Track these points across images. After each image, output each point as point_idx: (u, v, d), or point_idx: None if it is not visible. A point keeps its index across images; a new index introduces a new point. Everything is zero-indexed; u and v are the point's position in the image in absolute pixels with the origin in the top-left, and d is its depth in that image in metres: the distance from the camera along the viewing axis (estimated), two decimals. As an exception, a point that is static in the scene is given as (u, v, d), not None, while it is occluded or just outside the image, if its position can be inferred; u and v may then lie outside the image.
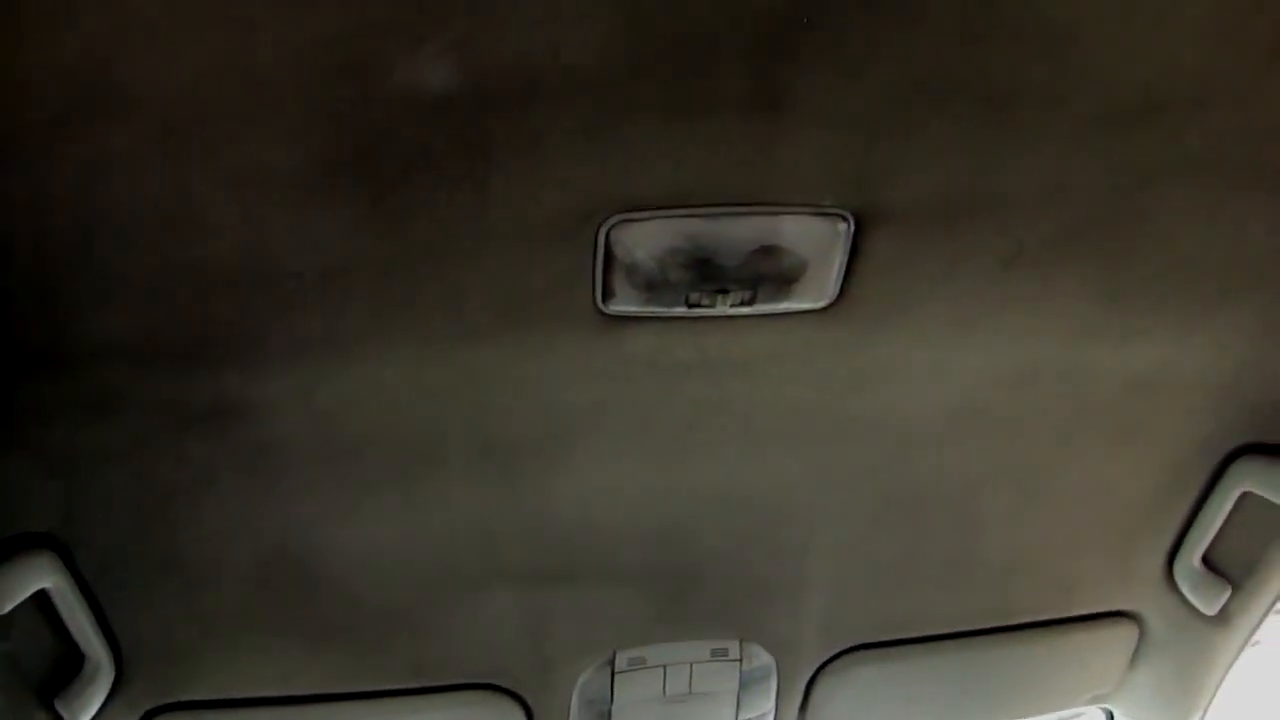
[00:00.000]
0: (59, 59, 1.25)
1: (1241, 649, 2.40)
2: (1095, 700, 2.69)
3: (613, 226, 1.52)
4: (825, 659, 2.38)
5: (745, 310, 1.66)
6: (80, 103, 1.30)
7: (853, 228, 1.58)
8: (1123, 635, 2.49)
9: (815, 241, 1.58)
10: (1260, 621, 2.34)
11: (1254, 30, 1.45)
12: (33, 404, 1.62)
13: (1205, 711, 2.53)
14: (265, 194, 1.43)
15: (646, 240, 1.55)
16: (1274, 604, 2.30)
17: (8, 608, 1.69)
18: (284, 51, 1.29)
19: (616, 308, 1.63)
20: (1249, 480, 2.16)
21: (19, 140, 1.32)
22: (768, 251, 1.59)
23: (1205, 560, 2.32)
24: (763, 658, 2.33)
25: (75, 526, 1.80)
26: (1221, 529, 2.26)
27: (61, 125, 1.31)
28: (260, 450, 1.76)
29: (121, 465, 1.73)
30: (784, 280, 1.63)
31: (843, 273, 1.64)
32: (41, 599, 1.80)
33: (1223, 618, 2.32)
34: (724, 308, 1.64)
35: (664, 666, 2.30)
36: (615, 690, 2.31)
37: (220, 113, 1.34)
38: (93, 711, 1.93)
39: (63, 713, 1.85)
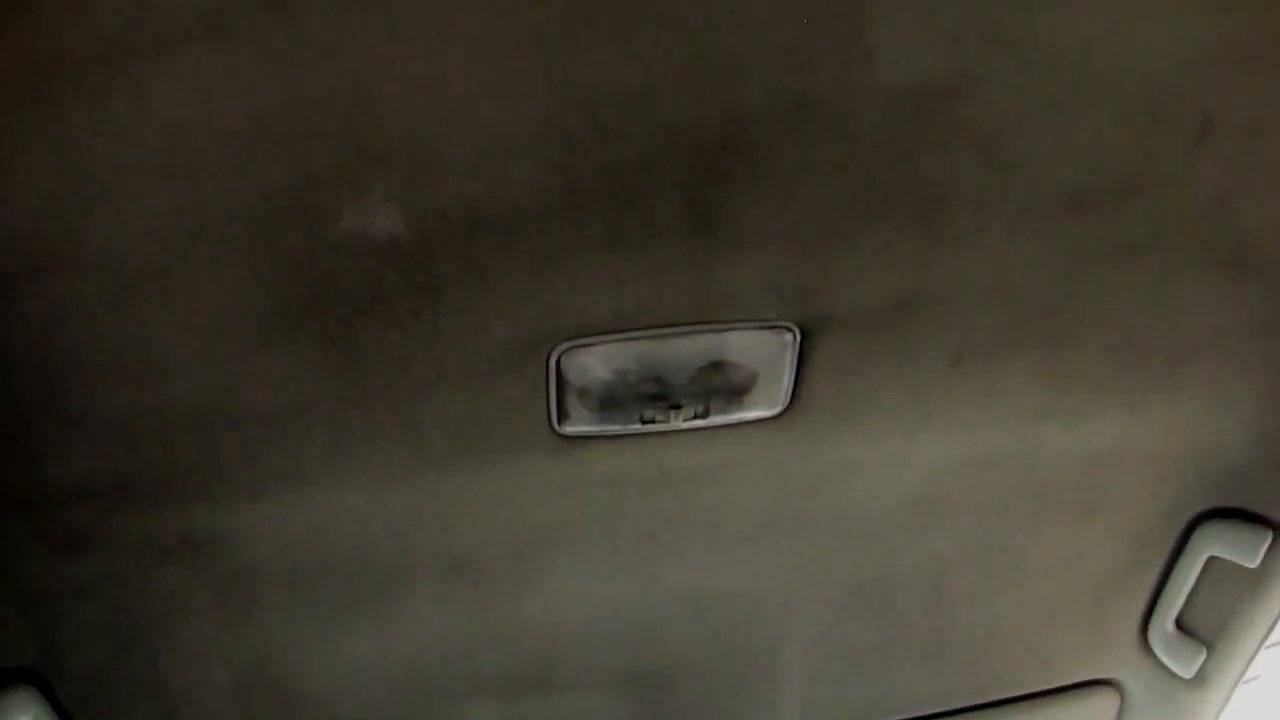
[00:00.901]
0: (13, 218, 1.29)
1: (1221, 709, 2.41)
2: (1082, 768, 2.70)
3: (563, 353, 1.56)
4: (806, 749, 2.39)
5: (699, 423, 1.69)
6: (36, 258, 1.34)
7: (799, 338, 1.62)
8: (1103, 704, 2.50)
9: (763, 354, 1.62)
10: (1237, 681, 2.35)
11: (1179, 115, 1.50)
12: (4, 543, 1.64)
13: (1191, 772, 2.54)
14: (222, 339, 1.47)
15: (597, 364, 1.58)
16: (1250, 663, 2.32)
17: (-10, 741, 1.70)
18: (233, 204, 1.34)
19: (572, 429, 1.67)
20: (1214, 544, 2.19)
21: None
22: (716, 367, 1.63)
23: (1179, 624, 2.34)
24: (744, 752, 2.35)
25: (54, 659, 1.81)
26: (1192, 593, 2.28)
27: (18, 280, 1.35)
28: (232, 578, 1.78)
29: (96, 599, 1.75)
30: (735, 392, 1.67)
31: (792, 381, 1.67)
32: (23, 733, 1.81)
33: (1200, 679, 2.33)
34: (678, 422, 1.67)
35: None
36: None
37: (174, 264, 1.38)
38: None
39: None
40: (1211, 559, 2.21)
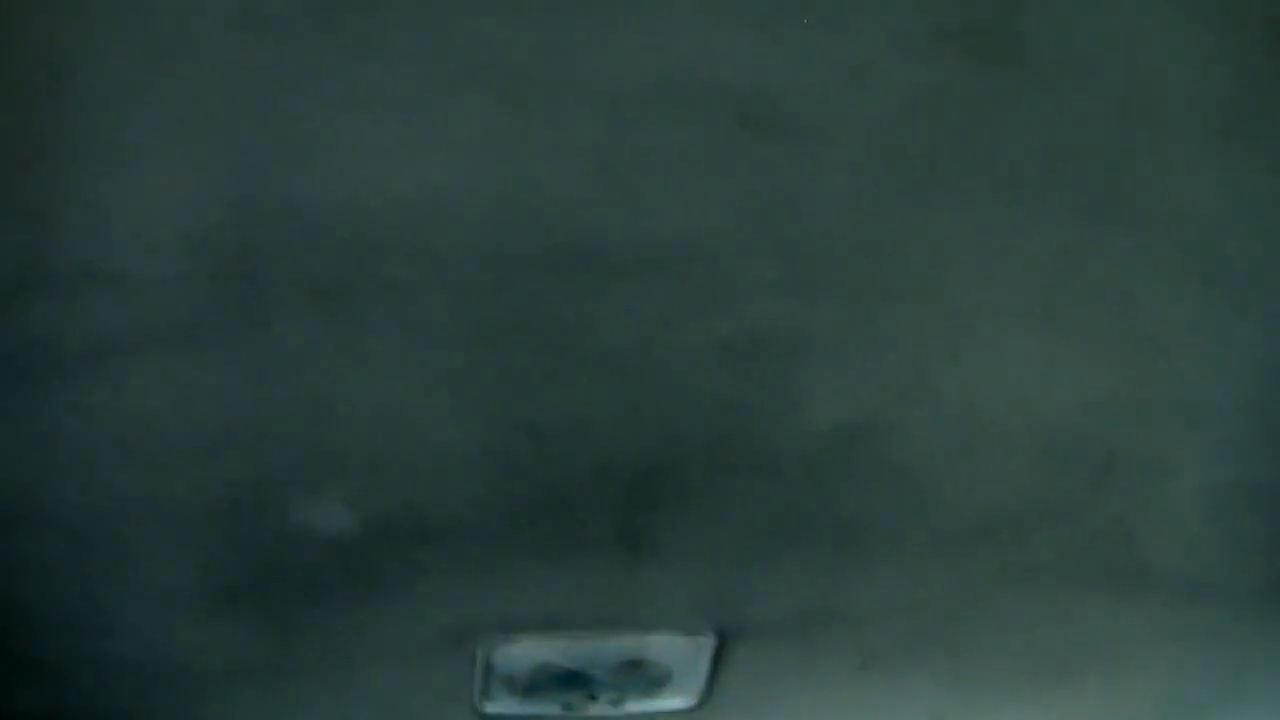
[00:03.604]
0: None
1: None
2: None
3: (491, 646, 1.66)
4: None
5: (616, 711, 1.78)
6: (2, 516, 1.42)
7: (715, 643, 1.72)
8: None
9: (680, 655, 1.72)
10: None
11: (1084, 454, 1.59)
12: None
13: None
14: (170, 607, 1.55)
15: (523, 657, 1.68)
16: None
17: None
18: (192, 490, 1.43)
19: (495, 709, 1.76)
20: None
21: None
22: (635, 665, 1.72)
23: None
24: None
25: None
26: None
27: None
28: None
29: None
30: (652, 686, 1.76)
31: (707, 681, 1.77)
32: None
33: None
34: (596, 710, 1.76)
35: None
36: None
37: (131, 536, 1.47)
38: None
39: None
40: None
